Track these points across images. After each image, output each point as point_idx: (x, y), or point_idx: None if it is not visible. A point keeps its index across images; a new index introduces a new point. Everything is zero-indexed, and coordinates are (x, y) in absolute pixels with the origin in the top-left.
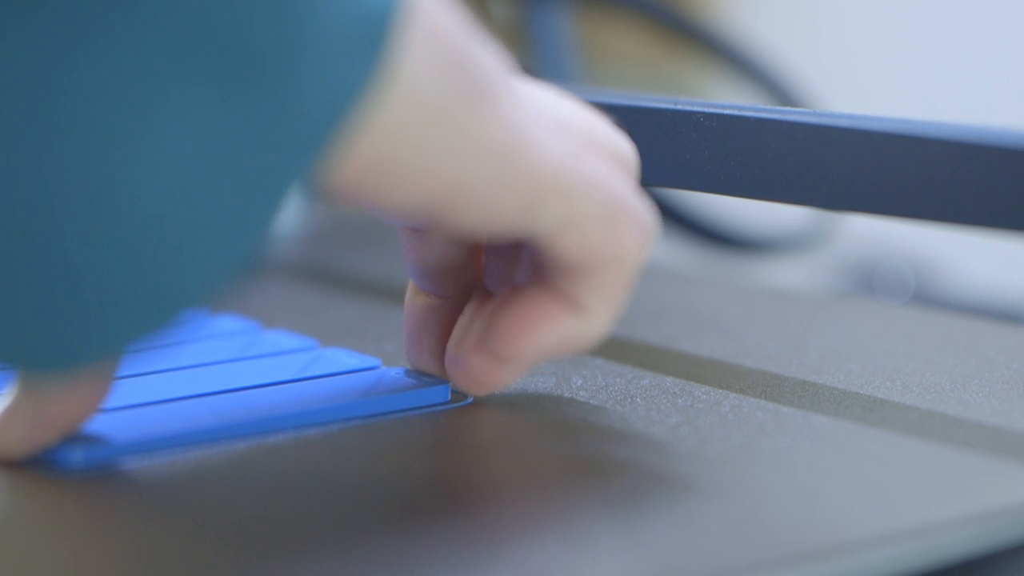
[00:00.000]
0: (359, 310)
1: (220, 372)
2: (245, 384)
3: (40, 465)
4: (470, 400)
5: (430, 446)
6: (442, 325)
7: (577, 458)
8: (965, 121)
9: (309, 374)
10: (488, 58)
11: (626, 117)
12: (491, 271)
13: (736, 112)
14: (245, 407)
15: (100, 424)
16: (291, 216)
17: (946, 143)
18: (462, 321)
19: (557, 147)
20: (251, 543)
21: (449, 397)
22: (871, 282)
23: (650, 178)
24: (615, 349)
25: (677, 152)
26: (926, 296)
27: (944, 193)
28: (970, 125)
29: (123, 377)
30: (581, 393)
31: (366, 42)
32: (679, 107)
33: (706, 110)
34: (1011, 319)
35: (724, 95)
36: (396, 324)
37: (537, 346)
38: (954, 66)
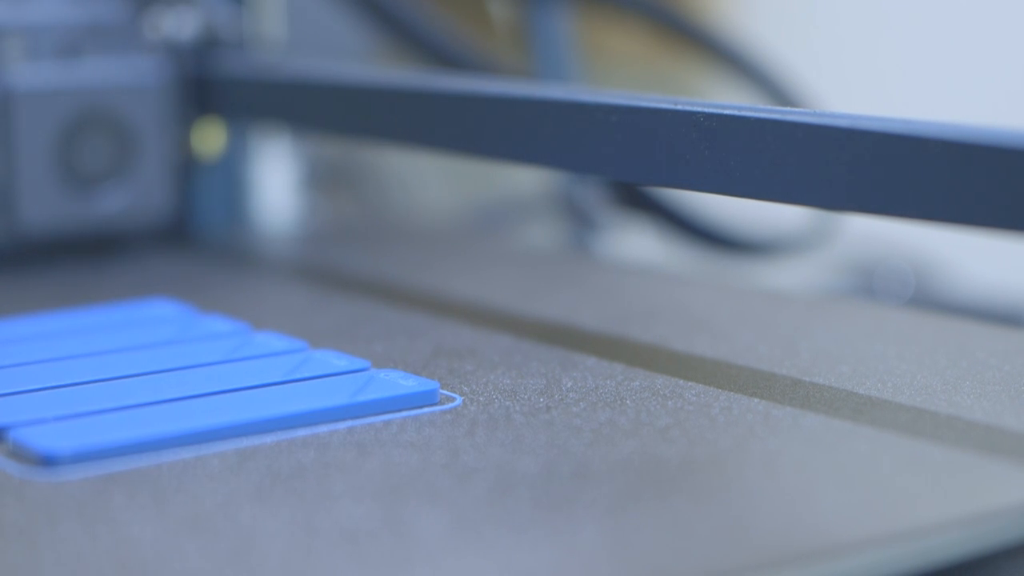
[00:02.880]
0: (349, 311)
1: (209, 374)
2: (234, 386)
3: (23, 467)
4: (459, 402)
5: (417, 447)
6: None
7: (565, 460)
8: (965, 121)
9: (298, 376)
10: None
11: (626, 117)
12: None
13: (736, 112)
14: (233, 409)
15: (86, 426)
16: (284, 216)
17: (946, 143)
18: None
19: None
20: (241, 545)
21: (438, 399)
22: (871, 282)
23: (650, 178)
24: (606, 350)
25: (677, 152)
26: (926, 296)
27: (944, 193)
28: (970, 125)
29: (110, 379)
30: (571, 395)
31: None
32: (679, 107)
33: (706, 110)
34: (1011, 319)
35: (724, 95)
36: (387, 325)
37: None
38: (954, 66)
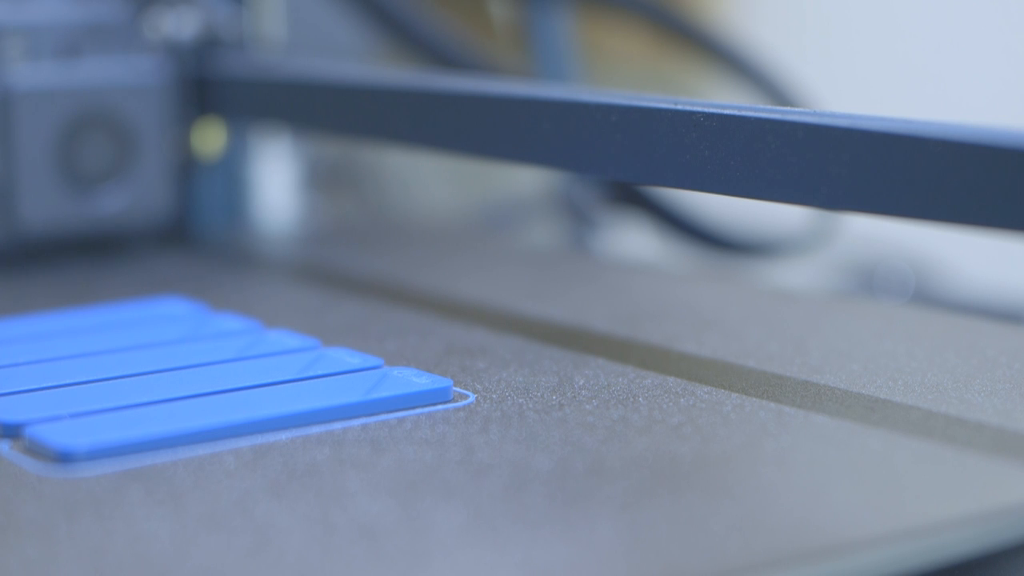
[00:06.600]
0: (359, 309)
1: (223, 372)
2: (248, 384)
3: (40, 464)
4: (472, 399)
5: (431, 444)
6: None
7: (579, 457)
8: (965, 121)
9: (312, 374)
10: None
11: (626, 117)
12: None
13: (736, 112)
14: (248, 406)
15: (102, 423)
16: (284, 216)
17: (946, 143)
18: None
19: None
20: (258, 541)
21: (452, 396)
22: (871, 282)
23: (650, 178)
24: (617, 349)
25: (677, 152)
26: (926, 296)
27: (944, 193)
28: (970, 125)
29: (125, 377)
30: (583, 392)
31: None
32: (679, 107)
33: (706, 110)
34: (1011, 319)
35: (724, 95)
36: (397, 323)
37: None
38: (954, 66)
